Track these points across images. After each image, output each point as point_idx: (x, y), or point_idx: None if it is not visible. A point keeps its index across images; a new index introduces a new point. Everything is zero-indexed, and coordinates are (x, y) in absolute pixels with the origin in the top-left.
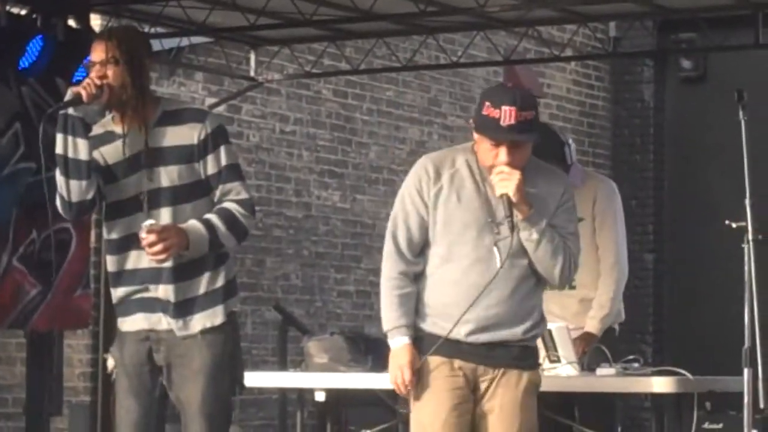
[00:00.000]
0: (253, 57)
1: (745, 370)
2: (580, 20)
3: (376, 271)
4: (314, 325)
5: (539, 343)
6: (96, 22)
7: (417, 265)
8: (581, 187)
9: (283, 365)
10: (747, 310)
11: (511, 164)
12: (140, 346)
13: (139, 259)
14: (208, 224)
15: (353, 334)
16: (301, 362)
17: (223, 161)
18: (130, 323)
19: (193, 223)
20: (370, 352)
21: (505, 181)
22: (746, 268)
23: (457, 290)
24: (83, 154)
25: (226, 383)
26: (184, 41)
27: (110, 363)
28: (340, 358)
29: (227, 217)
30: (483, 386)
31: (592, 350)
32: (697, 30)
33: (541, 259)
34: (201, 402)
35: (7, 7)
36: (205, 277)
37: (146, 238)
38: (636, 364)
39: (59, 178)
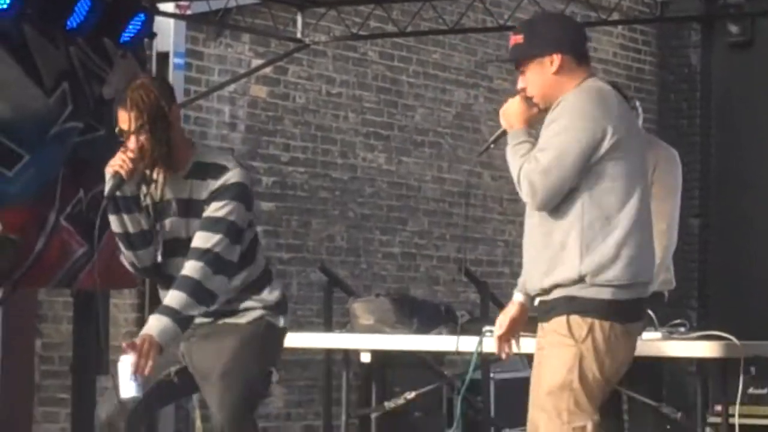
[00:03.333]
0: (299, 19)
1: None
2: None
3: (422, 233)
4: (359, 286)
5: None
6: None
7: None
8: None
9: (328, 326)
10: None
11: (526, 90)
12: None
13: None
14: (170, 314)
15: (399, 296)
16: (346, 323)
17: (220, 213)
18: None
19: (157, 325)
20: (416, 314)
21: (502, 111)
22: None
23: None
24: (145, 225)
25: (252, 366)
26: (231, 2)
27: None
28: (385, 320)
29: (191, 289)
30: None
31: None
32: None
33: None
34: (221, 371)
35: None
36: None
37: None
38: (682, 329)
39: (126, 252)
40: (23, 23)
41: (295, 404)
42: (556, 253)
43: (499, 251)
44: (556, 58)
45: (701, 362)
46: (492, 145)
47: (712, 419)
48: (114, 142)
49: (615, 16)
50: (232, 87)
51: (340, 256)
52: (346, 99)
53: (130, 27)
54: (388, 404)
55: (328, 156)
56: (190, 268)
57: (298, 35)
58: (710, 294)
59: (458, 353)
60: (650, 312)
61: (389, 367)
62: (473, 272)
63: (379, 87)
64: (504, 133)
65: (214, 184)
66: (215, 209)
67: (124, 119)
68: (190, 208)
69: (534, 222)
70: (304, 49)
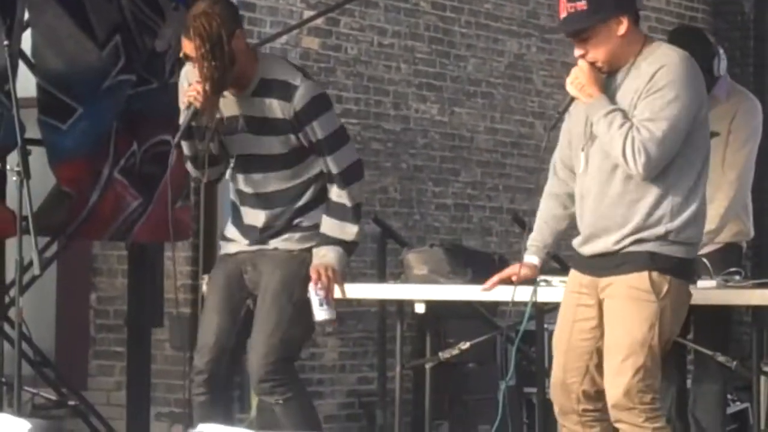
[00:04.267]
0: None
1: None
2: None
3: (474, 184)
4: (412, 238)
5: None
6: None
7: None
8: (724, 103)
9: (382, 278)
10: None
11: (587, 58)
12: (231, 266)
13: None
14: (336, 244)
15: (453, 246)
16: (399, 274)
17: (319, 134)
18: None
19: (331, 255)
20: (470, 264)
21: (571, 81)
22: None
23: (576, 203)
24: (215, 150)
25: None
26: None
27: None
28: (439, 270)
29: (343, 214)
30: (601, 299)
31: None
32: None
33: (606, 147)
34: (275, 288)
35: None
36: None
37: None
38: (737, 277)
39: (196, 171)
40: None
41: (350, 356)
42: (645, 211)
43: None
44: (624, 20)
45: (756, 310)
46: (563, 115)
47: (767, 368)
48: (167, 94)
49: None
50: (284, 38)
51: (393, 208)
52: (398, 50)
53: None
54: (443, 355)
55: (381, 107)
56: (339, 194)
57: None
58: (765, 243)
59: (513, 303)
60: (704, 259)
61: (443, 317)
62: (527, 222)
63: (431, 37)
64: (572, 100)
65: (289, 106)
66: (320, 129)
67: (189, 47)
68: (264, 126)
69: (606, 179)
70: (355, 0)
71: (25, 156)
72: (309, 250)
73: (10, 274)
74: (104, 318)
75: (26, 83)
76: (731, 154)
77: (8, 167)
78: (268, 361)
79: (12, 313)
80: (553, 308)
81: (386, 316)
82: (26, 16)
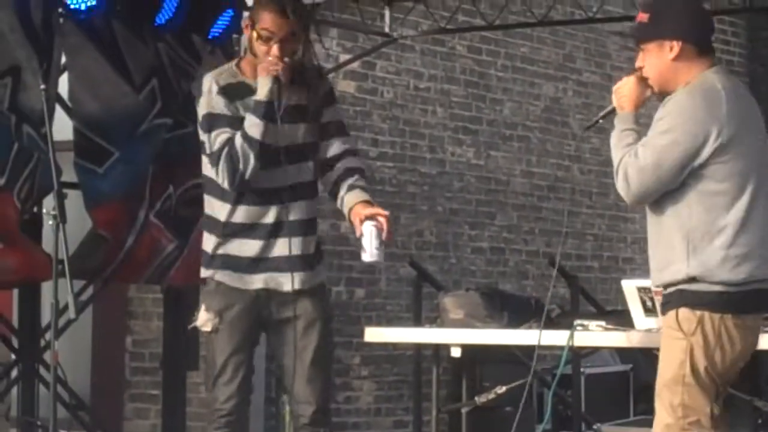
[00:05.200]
0: (387, 13)
1: None
2: None
3: (510, 228)
4: (448, 281)
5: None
6: None
7: None
8: None
9: (417, 321)
10: None
11: (643, 72)
12: (248, 301)
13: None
14: (367, 196)
15: (489, 290)
16: (435, 318)
17: (337, 117)
18: (237, 279)
19: (366, 199)
20: (506, 308)
21: (616, 88)
22: None
23: None
24: (273, 140)
25: (329, 338)
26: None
27: (203, 317)
28: (475, 314)
29: (364, 175)
30: None
31: None
32: None
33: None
34: (314, 354)
35: None
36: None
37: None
38: None
39: (253, 162)
40: (112, 20)
41: (385, 399)
42: (666, 252)
43: (588, 245)
44: (676, 45)
45: None
46: (600, 120)
47: None
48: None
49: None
50: None
51: (429, 251)
52: (434, 93)
53: (219, 23)
54: (479, 399)
55: (417, 151)
56: (359, 161)
57: (386, 30)
58: None
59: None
60: None
61: (479, 361)
62: (563, 266)
63: (467, 81)
64: (613, 110)
65: (322, 86)
66: (338, 112)
67: (279, 24)
68: (298, 113)
69: (649, 218)
70: (391, 44)
71: (61, 200)
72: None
73: (46, 317)
74: (140, 361)
75: (63, 126)
76: None
77: (44, 210)
78: (325, 406)
79: (47, 356)
80: (590, 352)
81: (422, 359)
82: (63, 59)
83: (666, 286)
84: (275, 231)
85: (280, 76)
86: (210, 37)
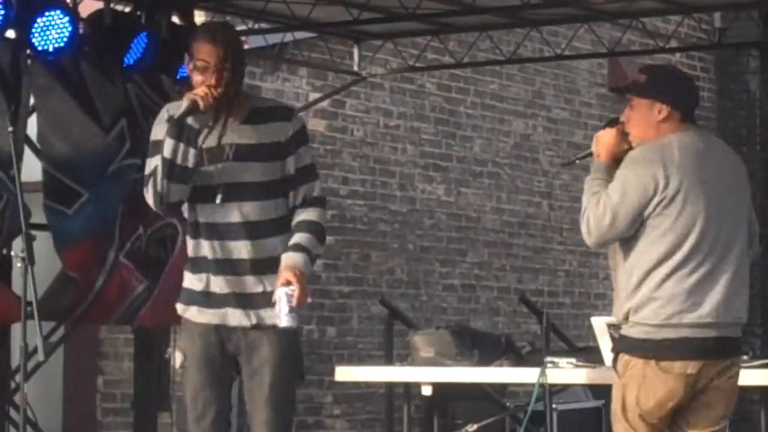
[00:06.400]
0: (356, 52)
1: None
2: (685, 11)
3: (481, 265)
4: (419, 319)
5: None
6: (200, 18)
7: None
8: None
9: (389, 359)
10: None
11: (626, 127)
12: (211, 338)
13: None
14: (305, 251)
15: (459, 328)
16: (407, 356)
17: (305, 161)
18: (198, 314)
19: (300, 259)
20: (477, 345)
21: (598, 135)
22: None
23: None
24: (192, 163)
25: (292, 375)
26: (288, 37)
27: (179, 357)
28: (446, 352)
29: (315, 231)
30: None
31: None
32: None
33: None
34: (269, 393)
35: (112, 5)
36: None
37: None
38: (745, 357)
39: (161, 181)
40: (81, 61)
41: None
42: (619, 293)
43: (560, 281)
44: (665, 109)
45: (765, 390)
46: (577, 161)
47: None
48: None
49: (673, 44)
50: None
51: (400, 289)
52: (404, 131)
53: (186, 67)
54: None
55: (387, 188)
56: (313, 213)
57: (355, 68)
58: None
59: (520, 384)
60: None
61: (451, 399)
62: (533, 303)
63: (437, 118)
64: (590, 155)
65: (289, 126)
66: (305, 155)
67: (209, 53)
68: (254, 152)
69: (613, 263)
70: (361, 82)
71: (29, 242)
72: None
73: (16, 359)
74: (111, 401)
75: (32, 167)
76: None
77: (13, 253)
78: None
79: (17, 398)
80: (561, 389)
81: (394, 397)
82: (32, 101)
83: (617, 326)
84: (234, 267)
85: (198, 101)
86: (178, 77)
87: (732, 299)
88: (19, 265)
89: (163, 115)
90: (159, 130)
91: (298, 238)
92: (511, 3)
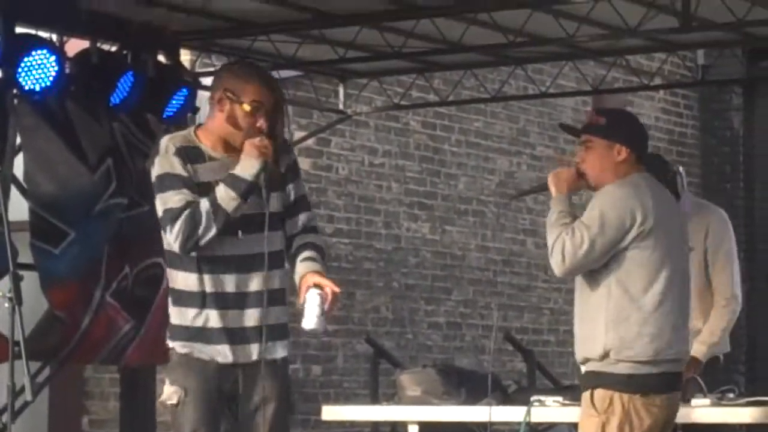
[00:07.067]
0: (341, 90)
1: None
2: (670, 48)
3: (467, 303)
4: (405, 357)
5: None
6: (186, 57)
7: None
8: (692, 216)
9: (374, 398)
10: None
11: (582, 167)
12: (210, 374)
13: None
14: (320, 263)
15: (446, 367)
16: (393, 395)
17: (302, 190)
18: (199, 351)
19: (321, 266)
20: (463, 384)
21: (555, 172)
22: None
23: None
24: (238, 214)
25: (288, 409)
26: (273, 74)
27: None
28: (433, 391)
29: (321, 251)
30: None
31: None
32: None
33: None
34: (271, 427)
35: (98, 44)
36: (283, 309)
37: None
38: (731, 395)
39: (213, 230)
40: (67, 100)
41: None
42: (588, 328)
43: (545, 319)
44: (624, 150)
45: (751, 428)
46: (525, 197)
47: None
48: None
49: (657, 81)
50: None
51: (386, 327)
52: (389, 169)
53: (174, 102)
54: None
55: (372, 227)
56: (315, 237)
57: (341, 106)
58: (758, 358)
59: (506, 423)
60: (698, 378)
61: None
62: (519, 341)
63: (422, 156)
64: (544, 188)
65: (288, 157)
66: (301, 185)
67: (266, 96)
68: (272, 185)
69: (576, 297)
70: (346, 120)
71: (17, 282)
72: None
73: (2, 399)
74: None
75: (19, 206)
76: (718, 272)
77: (0, 293)
78: None
79: None
80: (547, 428)
81: None
82: (18, 140)
83: (584, 362)
84: (237, 301)
85: (269, 160)
86: (165, 116)
87: (688, 335)
88: (6, 305)
89: (168, 147)
90: (168, 162)
91: (309, 253)
92: (496, 41)
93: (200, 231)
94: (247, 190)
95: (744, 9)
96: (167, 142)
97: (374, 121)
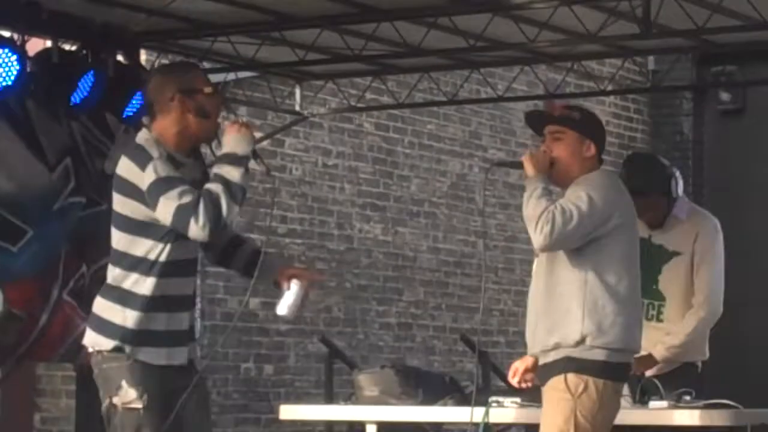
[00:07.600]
0: (298, 91)
1: None
2: (626, 54)
3: (418, 303)
4: (356, 357)
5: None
6: (145, 57)
7: None
8: (685, 222)
9: (329, 398)
10: None
11: (549, 153)
12: (167, 377)
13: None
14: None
15: (403, 368)
16: (350, 395)
17: None
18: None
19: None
20: (421, 385)
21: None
22: None
23: None
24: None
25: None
26: (230, 76)
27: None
28: (390, 391)
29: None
30: None
31: (646, 383)
32: (736, 63)
33: (524, 210)
34: (208, 424)
35: (59, 43)
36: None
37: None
38: (687, 397)
39: (235, 207)
40: (27, 99)
41: None
42: (561, 315)
43: (495, 320)
44: (593, 146)
45: (708, 431)
46: (509, 168)
47: None
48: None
49: (609, 86)
50: None
51: (337, 327)
52: (342, 170)
53: (133, 102)
54: None
55: (325, 227)
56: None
57: (297, 108)
58: (713, 362)
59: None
60: (656, 381)
61: None
62: (473, 342)
63: (375, 158)
64: (519, 165)
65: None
66: None
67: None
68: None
69: (539, 287)
70: (300, 122)
71: None
72: None
73: None
74: None
75: None
76: (699, 276)
77: None
78: None
79: None
80: (504, 429)
81: None
82: None
83: (553, 349)
84: (180, 304)
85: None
86: (124, 116)
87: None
88: None
89: (160, 153)
90: (162, 167)
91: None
92: (456, 45)
93: (224, 211)
94: (246, 162)
95: (704, 16)
96: (156, 149)
97: (328, 123)
